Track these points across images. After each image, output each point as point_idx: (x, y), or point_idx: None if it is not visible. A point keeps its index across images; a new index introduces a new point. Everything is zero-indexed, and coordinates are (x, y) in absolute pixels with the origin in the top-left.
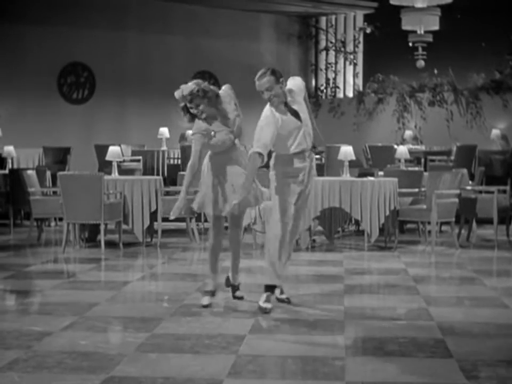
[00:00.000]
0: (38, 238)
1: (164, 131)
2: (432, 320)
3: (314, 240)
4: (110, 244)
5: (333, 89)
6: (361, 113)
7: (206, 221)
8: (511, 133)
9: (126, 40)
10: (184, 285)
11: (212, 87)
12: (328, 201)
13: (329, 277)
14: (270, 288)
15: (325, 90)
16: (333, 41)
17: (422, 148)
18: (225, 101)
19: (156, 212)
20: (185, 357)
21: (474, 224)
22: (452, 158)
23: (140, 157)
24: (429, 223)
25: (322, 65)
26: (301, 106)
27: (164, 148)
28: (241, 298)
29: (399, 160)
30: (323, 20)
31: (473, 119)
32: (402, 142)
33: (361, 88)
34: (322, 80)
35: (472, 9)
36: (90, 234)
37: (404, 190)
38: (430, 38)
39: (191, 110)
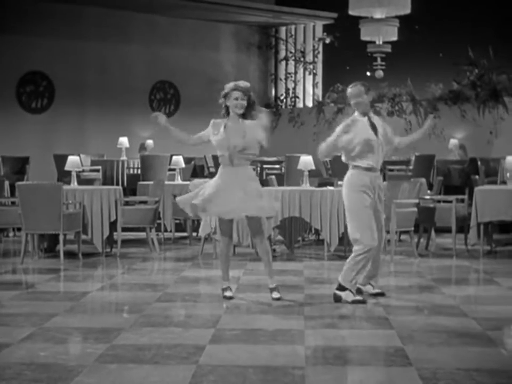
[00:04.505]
0: None
1: (124, 141)
2: (392, 328)
3: (274, 250)
4: (69, 254)
5: (293, 99)
6: (321, 123)
7: (165, 231)
8: (469, 142)
9: (85, 49)
10: (144, 295)
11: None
12: (288, 211)
13: (290, 286)
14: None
15: (284, 100)
16: (293, 51)
17: None
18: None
19: (115, 222)
20: (145, 368)
21: (433, 233)
22: (411, 167)
23: (100, 167)
24: (388, 232)
25: (282, 75)
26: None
27: (124, 157)
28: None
29: None
30: (283, 30)
31: (432, 129)
32: None
33: (320, 98)
34: (282, 90)
35: (430, 21)
36: (49, 244)
37: None
38: (388, 49)
39: (242, 102)
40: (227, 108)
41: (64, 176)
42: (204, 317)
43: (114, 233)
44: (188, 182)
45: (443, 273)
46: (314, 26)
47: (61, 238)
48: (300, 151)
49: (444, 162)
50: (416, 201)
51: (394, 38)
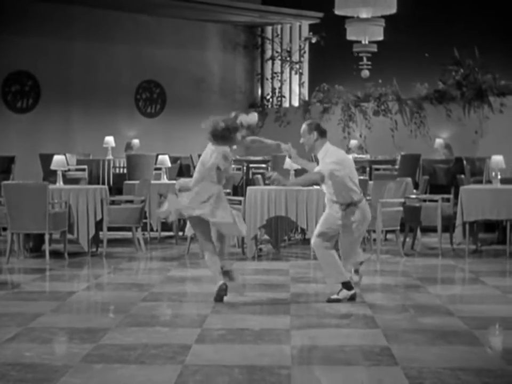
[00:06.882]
0: None
1: (110, 140)
2: (378, 327)
3: (260, 249)
4: (55, 254)
5: (279, 99)
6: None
7: (152, 230)
8: (454, 142)
9: (71, 48)
10: (130, 294)
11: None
12: (274, 210)
13: (276, 285)
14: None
15: (270, 100)
16: (279, 50)
17: (367, 157)
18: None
19: (101, 221)
20: (131, 368)
21: (418, 232)
22: (397, 167)
23: (85, 166)
24: (374, 231)
25: (268, 74)
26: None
27: (110, 157)
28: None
29: None
30: (269, 29)
31: (417, 128)
32: (348, 151)
33: (306, 98)
34: (268, 90)
35: (416, 20)
36: (35, 244)
37: None
38: (374, 48)
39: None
40: None
41: (50, 175)
42: (190, 316)
43: (100, 233)
44: (173, 181)
45: (429, 272)
46: (300, 26)
47: (47, 237)
48: None
49: (430, 161)
50: (402, 200)
51: (380, 38)
